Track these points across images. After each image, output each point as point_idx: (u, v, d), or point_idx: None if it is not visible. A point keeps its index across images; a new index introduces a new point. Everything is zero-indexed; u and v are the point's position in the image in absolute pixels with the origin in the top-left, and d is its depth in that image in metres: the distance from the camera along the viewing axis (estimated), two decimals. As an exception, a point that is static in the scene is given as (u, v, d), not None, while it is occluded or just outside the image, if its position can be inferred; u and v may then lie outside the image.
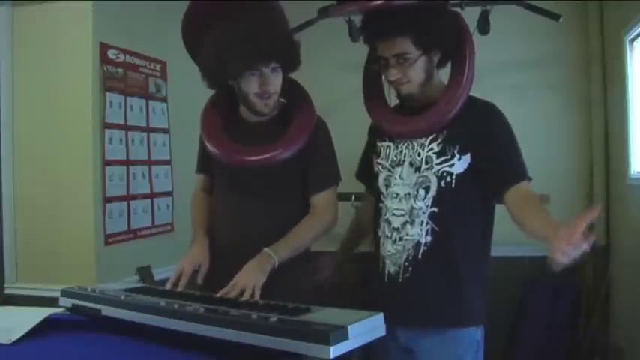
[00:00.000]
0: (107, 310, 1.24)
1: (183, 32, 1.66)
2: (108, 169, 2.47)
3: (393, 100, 1.72)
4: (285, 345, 0.94)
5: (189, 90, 2.93)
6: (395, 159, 1.61)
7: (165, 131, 2.88)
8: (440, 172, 1.52)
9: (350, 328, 0.95)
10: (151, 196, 2.77)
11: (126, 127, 2.59)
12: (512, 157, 1.51)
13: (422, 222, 1.53)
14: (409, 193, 1.55)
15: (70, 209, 2.43)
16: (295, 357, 0.93)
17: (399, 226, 1.56)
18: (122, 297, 1.25)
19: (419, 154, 1.56)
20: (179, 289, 1.46)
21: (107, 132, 2.47)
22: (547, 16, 2.84)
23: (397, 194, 1.58)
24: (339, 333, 0.93)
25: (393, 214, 1.58)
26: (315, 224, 1.61)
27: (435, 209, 1.52)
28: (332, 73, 3.40)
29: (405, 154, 1.59)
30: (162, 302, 1.18)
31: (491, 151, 1.51)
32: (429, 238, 1.52)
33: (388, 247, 1.58)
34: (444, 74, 1.62)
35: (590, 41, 3.32)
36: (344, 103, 3.13)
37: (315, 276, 1.75)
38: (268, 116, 1.63)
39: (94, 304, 1.28)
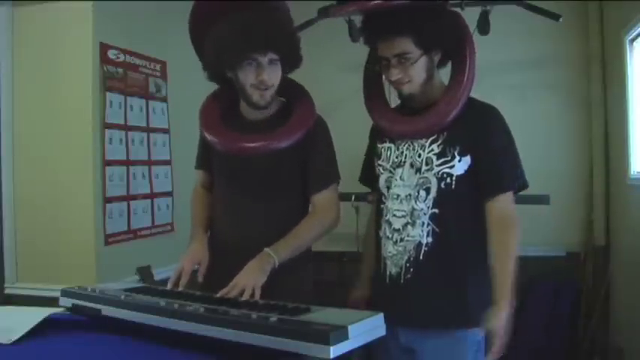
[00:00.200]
0: (107, 310, 1.24)
1: (190, 31, 1.66)
2: (108, 169, 2.47)
3: (393, 101, 1.72)
4: (285, 345, 0.94)
5: (189, 90, 2.94)
6: (396, 160, 1.61)
7: (165, 131, 2.88)
8: (440, 173, 1.52)
9: (350, 328, 0.95)
10: (151, 196, 2.77)
11: (126, 127, 2.59)
12: (502, 166, 1.52)
13: (423, 223, 1.53)
14: (410, 194, 1.55)
15: (70, 209, 2.43)
16: (295, 357, 0.93)
17: (400, 227, 1.56)
18: (122, 297, 1.25)
19: (419, 155, 1.56)
20: (180, 288, 1.46)
21: (107, 132, 2.47)
22: (547, 16, 2.84)
23: (398, 195, 1.58)
24: (339, 333, 0.93)
25: (394, 215, 1.58)
26: (316, 224, 1.61)
27: (436, 210, 1.52)
28: (332, 73, 3.40)
29: (406, 155, 1.59)
30: (162, 302, 1.18)
31: (484, 156, 1.51)
32: (429, 239, 1.52)
33: (389, 249, 1.58)
34: (444, 75, 1.62)
35: (590, 41, 3.33)
36: (344, 103, 3.13)
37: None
38: (266, 112, 1.63)
39: (94, 304, 1.28)
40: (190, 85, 2.95)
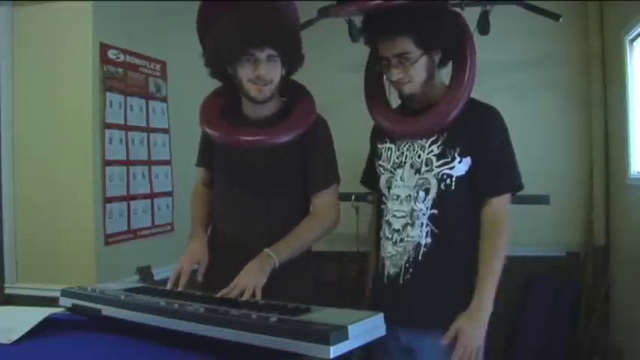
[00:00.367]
0: (107, 310, 1.24)
1: (197, 30, 1.67)
2: (108, 169, 2.47)
3: (393, 101, 1.72)
4: (285, 345, 0.94)
5: (189, 90, 2.94)
6: (396, 160, 1.61)
7: (166, 131, 2.88)
8: (440, 174, 1.52)
9: (350, 328, 0.95)
10: (151, 196, 2.77)
11: (126, 127, 2.59)
12: (500, 168, 1.52)
13: (422, 224, 1.53)
14: (410, 195, 1.55)
15: (70, 209, 2.43)
16: (295, 357, 0.93)
17: (400, 228, 1.56)
18: (122, 297, 1.25)
19: (419, 156, 1.56)
20: (179, 288, 1.46)
21: (107, 132, 2.47)
22: (547, 16, 2.84)
23: (398, 196, 1.58)
24: (339, 333, 0.93)
25: (394, 216, 1.58)
26: (316, 225, 1.61)
27: (435, 211, 1.52)
28: (332, 73, 3.40)
29: (406, 155, 1.59)
30: (162, 302, 1.18)
31: (482, 157, 1.52)
32: (428, 240, 1.53)
33: (388, 249, 1.58)
34: (445, 75, 1.62)
35: (590, 41, 3.33)
36: (344, 103, 3.13)
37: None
38: (268, 111, 1.63)
39: (94, 304, 1.28)
40: (190, 85, 2.95)
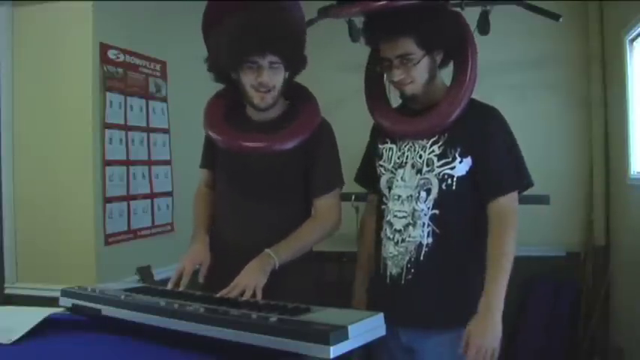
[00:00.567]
0: (107, 310, 1.24)
1: (203, 32, 1.67)
2: (108, 169, 2.47)
3: (394, 101, 1.72)
4: (285, 345, 0.94)
5: (189, 90, 2.95)
6: (397, 161, 1.61)
7: (165, 131, 2.88)
8: (441, 174, 1.52)
9: (350, 328, 0.95)
10: (151, 196, 2.77)
11: (126, 127, 2.59)
12: (502, 168, 1.52)
13: (423, 224, 1.53)
14: (411, 195, 1.55)
15: (70, 209, 2.43)
16: (295, 357, 0.93)
17: (402, 228, 1.56)
18: (122, 297, 1.25)
19: (420, 156, 1.56)
20: (180, 289, 1.46)
21: (107, 132, 2.47)
22: (547, 16, 2.84)
23: (399, 196, 1.58)
24: (339, 333, 0.93)
25: (395, 216, 1.58)
26: (318, 228, 1.61)
27: (436, 211, 1.52)
28: (332, 73, 3.40)
29: (407, 155, 1.59)
30: (163, 302, 1.18)
31: (483, 157, 1.51)
32: (430, 240, 1.52)
33: (390, 249, 1.58)
34: (446, 77, 1.62)
35: (590, 41, 3.33)
36: (344, 103, 3.13)
37: None
38: (272, 114, 1.63)
39: (94, 304, 1.28)
40: (190, 85, 2.96)
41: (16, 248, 2.51)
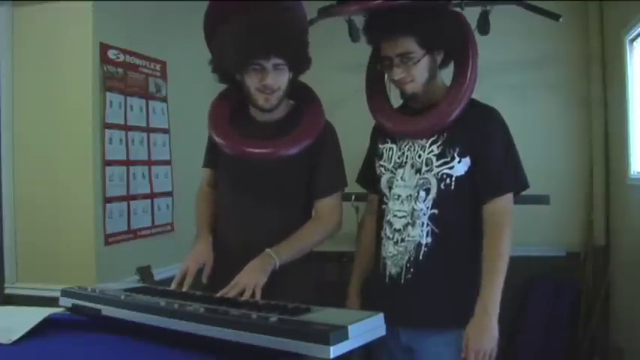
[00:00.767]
0: (107, 310, 1.24)
1: (205, 34, 1.67)
2: (108, 169, 2.47)
3: (394, 101, 1.72)
4: (285, 345, 0.94)
5: (189, 90, 2.95)
6: (397, 160, 1.61)
7: (165, 131, 2.88)
8: (440, 174, 1.52)
9: (350, 328, 0.95)
10: (151, 196, 2.77)
11: (126, 127, 2.59)
12: (500, 168, 1.52)
13: (422, 223, 1.53)
14: (410, 195, 1.56)
15: (70, 209, 2.43)
16: (295, 357, 0.93)
17: (401, 228, 1.56)
18: (122, 297, 1.25)
19: (419, 156, 1.56)
20: (184, 289, 1.45)
21: (107, 132, 2.47)
22: (547, 16, 2.84)
23: (399, 196, 1.58)
24: (339, 333, 0.93)
25: (395, 216, 1.58)
26: (319, 229, 1.61)
27: (435, 211, 1.53)
28: (332, 73, 3.40)
29: (407, 155, 1.59)
30: (162, 302, 1.18)
31: (482, 158, 1.52)
32: (429, 240, 1.53)
33: (389, 249, 1.58)
34: (446, 77, 1.62)
35: (590, 41, 3.33)
36: (344, 103, 3.13)
37: None
38: (276, 114, 1.63)
39: (94, 304, 1.28)
40: (190, 85, 2.96)
41: (16, 248, 2.51)
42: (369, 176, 1.73)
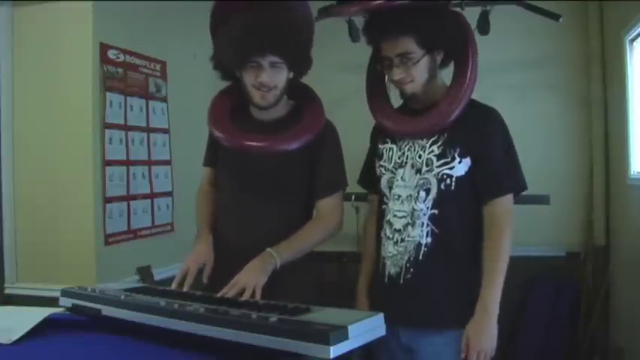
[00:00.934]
0: (107, 310, 1.24)
1: (210, 30, 1.67)
2: (108, 169, 2.47)
3: (394, 101, 1.72)
4: (285, 345, 0.94)
5: (189, 90, 2.95)
6: (397, 161, 1.61)
7: (165, 131, 2.88)
8: (440, 174, 1.52)
9: (350, 328, 0.95)
10: (151, 196, 2.77)
11: (126, 127, 2.59)
12: (500, 169, 1.53)
13: (422, 223, 1.53)
14: (411, 195, 1.56)
15: (70, 209, 2.43)
16: (295, 357, 0.93)
17: (401, 228, 1.56)
18: (122, 297, 1.25)
19: (420, 156, 1.56)
20: (185, 289, 1.45)
21: (107, 132, 2.47)
22: (547, 16, 2.84)
23: (399, 196, 1.58)
24: (339, 333, 0.93)
25: (395, 216, 1.58)
26: (320, 229, 1.61)
27: (435, 211, 1.53)
28: (332, 73, 3.40)
29: (407, 155, 1.59)
30: (162, 302, 1.18)
31: (482, 158, 1.52)
32: (429, 240, 1.53)
33: (389, 249, 1.58)
34: (447, 77, 1.62)
35: (590, 41, 3.33)
36: (344, 103, 3.13)
37: None
38: (276, 113, 1.63)
39: (94, 304, 1.28)
40: (190, 85, 2.97)
41: (16, 248, 2.51)
42: (370, 177, 1.73)
